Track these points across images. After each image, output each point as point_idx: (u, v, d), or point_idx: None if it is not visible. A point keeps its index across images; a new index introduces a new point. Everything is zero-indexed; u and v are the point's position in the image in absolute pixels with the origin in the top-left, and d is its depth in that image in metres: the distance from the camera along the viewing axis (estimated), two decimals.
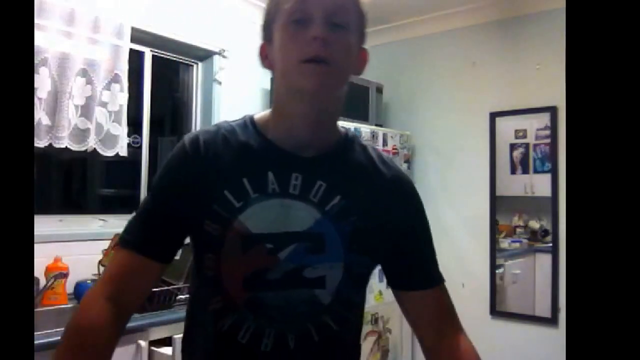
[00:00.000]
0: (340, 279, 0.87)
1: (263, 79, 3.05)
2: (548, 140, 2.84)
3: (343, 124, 3.10)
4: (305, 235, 0.86)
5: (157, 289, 2.08)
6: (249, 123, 0.92)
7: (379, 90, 3.28)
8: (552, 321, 2.78)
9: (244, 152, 0.88)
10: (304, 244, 0.86)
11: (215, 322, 0.88)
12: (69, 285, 2.17)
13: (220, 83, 2.93)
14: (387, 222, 0.91)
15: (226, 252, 0.86)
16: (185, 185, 0.87)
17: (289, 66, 0.83)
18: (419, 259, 0.97)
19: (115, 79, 2.38)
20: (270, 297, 0.86)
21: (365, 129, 2.90)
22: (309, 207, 0.86)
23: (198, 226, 0.87)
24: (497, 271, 3.01)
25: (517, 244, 2.95)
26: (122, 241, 0.89)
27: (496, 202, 3.01)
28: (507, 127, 2.99)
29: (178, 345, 1.85)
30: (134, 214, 0.92)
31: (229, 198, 0.85)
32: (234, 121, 0.94)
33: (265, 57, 0.90)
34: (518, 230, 2.95)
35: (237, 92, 3.00)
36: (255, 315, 0.87)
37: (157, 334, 1.98)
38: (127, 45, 2.42)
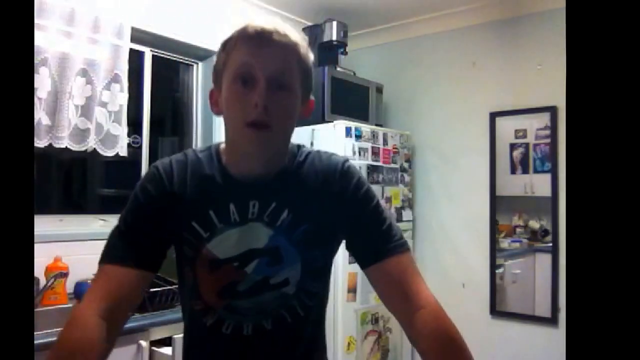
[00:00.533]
0: (299, 276, 0.98)
1: None
2: (548, 140, 2.84)
3: (344, 123, 3.07)
4: (264, 251, 0.96)
5: (158, 289, 2.08)
6: (214, 155, 1.00)
7: (379, 90, 3.28)
8: (552, 321, 2.78)
9: (209, 185, 0.97)
10: (264, 259, 0.97)
11: (200, 318, 1.00)
12: (69, 285, 2.17)
13: None
14: (332, 217, 0.98)
15: (199, 270, 0.98)
16: (160, 210, 0.96)
17: (234, 127, 0.92)
18: (366, 236, 0.98)
19: (115, 79, 2.38)
20: (244, 303, 0.98)
21: (365, 129, 2.90)
22: (263, 226, 0.96)
23: (176, 244, 1.00)
24: (497, 271, 3.01)
25: (517, 244, 2.95)
26: (113, 258, 0.93)
27: (496, 202, 3.01)
28: (507, 127, 2.99)
29: (178, 345, 1.86)
30: (113, 233, 0.97)
31: (197, 229, 0.96)
32: (201, 151, 1.02)
33: (215, 103, 0.97)
34: (518, 230, 2.95)
35: None
36: (233, 315, 0.99)
37: (158, 333, 1.98)
38: (127, 45, 2.42)
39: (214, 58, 2.96)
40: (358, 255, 1.00)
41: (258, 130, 0.88)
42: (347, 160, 1.03)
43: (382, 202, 1.05)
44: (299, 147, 1.03)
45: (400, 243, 0.98)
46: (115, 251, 0.94)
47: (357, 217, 0.99)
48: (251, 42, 0.88)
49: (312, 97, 1.00)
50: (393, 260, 0.96)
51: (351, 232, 1.00)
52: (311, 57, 0.95)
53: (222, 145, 1.01)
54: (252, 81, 0.88)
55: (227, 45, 0.92)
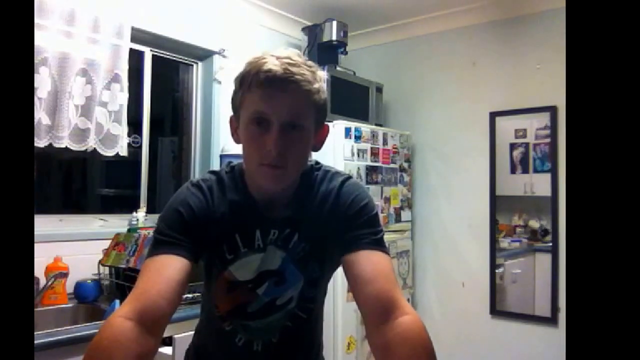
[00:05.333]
0: (301, 288, 1.05)
1: None
2: (548, 140, 2.84)
3: (343, 123, 3.06)
4: (275, 272, 1.03)
5: None
6: (239, 178, 1.05)
7: (379, 90, 3.28)
8: (552, 321, 2.78)
9: (238, 211, 1.02)
10: (273, 279, 1.04)
11: (220, 322, 1.08)
12: (69, 285, 2.16)
13: (220, 82, 2.93)
14: (327, 233, 1.02)
15: (218, 288, 1.05)
16: (199, 227, 0.99)
17: (250, 165, 0.98)
18: (349, 232, 0.99)
19: (115, 78, 2.38)
20: (253, 324, 1.06)
21: (365, 129, 2.90)
22: (277, 249, 1.03)
23: (205, 257, 1.05)
24: (497, 271, 3.01)
25: (517, 244, 2.95)
26: (149, 253, 0.97)
27: (496, 202, 3.01)
28: (507, 127, 2.99)
29: (179, 344, 1.85)
30: (151, 243, 0.99)
31: (224, 250, 1.02)
32: (226, 172, 1.07)
33: (235, 132, 1.03)
34: (518, 230, 2.95)
35: None
36: (245, 331, 1.07)
37: None
38: (127, 45, 2.41)
39: (214, 58, 2.97)
40: (339, 248, 0.99)
41: (273, 169, 0.94)
42: (346, 179, 1.06)
43: (380, 217, 1.04)
44: (312, 167, 1.07)
45: (383, 245, 0.99)
46: (152, 250, 0.96)
47: (347, 226, 1.00)
48: (265, 88, 0.92)
49: (327, 123, 1.04)
50: (376, 253, 0.96)
51: (343, 234, 1.00)
52: (324, 94, 0.98)
53: (243, 167, 1.05)
54: (267, 124, 0.93)
55: (243, 82, 0.95)
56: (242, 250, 1.02)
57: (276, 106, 0.92)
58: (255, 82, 0.92)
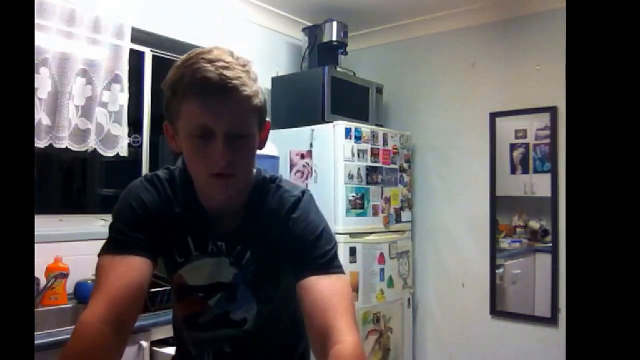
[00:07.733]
0: (256, 311, 1.04)
1: (262, 78, 3.05)
2: (548, 140, 2.84)
3: (343, 124, 3.05)
4: (227, 285, 1.02)
5: (159, 289, 2.08)
6: (189, 181, 1.00)
7: (379, 90, 3.28)
8: (552, 321, 2.78)
9: (187, 213, 1.00)
10: (226, 293, 1.02)
11: (183, 328, 1.10)
12: (69, 285, 2.16)
13: None
14: (278, 252, 1.00)
15: (172, 293, 1.07)
16: (151, 222, 0.98)
17: (199, 177, 0.94)
18: (300, 259, 0.97)
19: (115, 79, 2.38)
20: (203, 336, 1.06)
21: (365, 129, 2.90)
22: (229, 264, 1.01)
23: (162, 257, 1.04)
24: (497, 271, 3.01)
25: (517, 244, 2.95)
26: (106, 250, 0.96)
27: (496, 202, 3.01)
28: (507, 127, 2.99)
29: None
30: (106, 243, 0.98)
31: (174, 252, 1.01)
32: (180, 170, 1.02)
33: (172, 139, 0.96)
34: (518, 230, 2.95)
35: None
36: (194, 345, 1.08)
37: (159, 334, 1.98)
38: (127, 45, 2.41)
39: None
40: (294, 272, 0.98)
41: (224, 178, 0.90)
42: (296, 197, 1.01)
43: (330, 233, 1.03)
44: (265, 179, 1.03)
45: (332, 266, 0.96)
46: (113, 247, 0.95)
47: (295, 248, 0.98)
48: (203, 98, 0.86)
49: (268, 120, 0.99)
50: (319, 281, 0.93)
51: (290, 260, 0.99)
52: (262, 95, 0.94)
53: None
54: (210, 135, 0.88)
55: (176, 90, 0.89)
56: (193, 254, 1.01)
57: (217, 116, 0.86)
58: (190, 91, 0.86)
